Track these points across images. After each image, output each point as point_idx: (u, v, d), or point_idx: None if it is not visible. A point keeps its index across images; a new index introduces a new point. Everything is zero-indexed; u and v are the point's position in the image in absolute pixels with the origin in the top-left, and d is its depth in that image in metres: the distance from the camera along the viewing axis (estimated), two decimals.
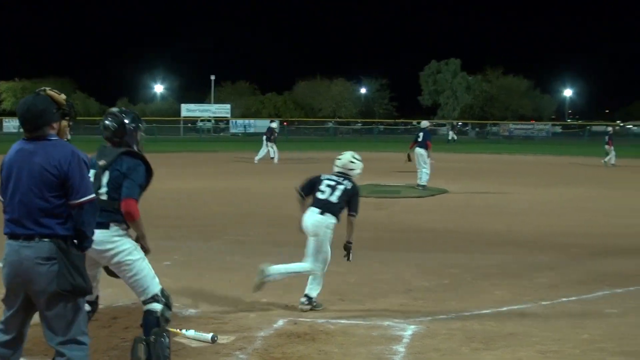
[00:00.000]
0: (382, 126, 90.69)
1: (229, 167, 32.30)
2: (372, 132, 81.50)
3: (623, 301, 8.77)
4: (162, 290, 5.94)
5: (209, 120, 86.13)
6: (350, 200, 8.34)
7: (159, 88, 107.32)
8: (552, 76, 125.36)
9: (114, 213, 5.75)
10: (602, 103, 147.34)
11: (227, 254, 11.34)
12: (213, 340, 6.81)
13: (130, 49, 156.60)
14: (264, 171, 29.32)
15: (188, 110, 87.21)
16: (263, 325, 7.37)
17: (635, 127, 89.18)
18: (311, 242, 8.30)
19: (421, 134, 22.88)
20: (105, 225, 5.67)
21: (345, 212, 8.41)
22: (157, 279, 5.94)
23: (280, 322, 7.53)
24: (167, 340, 5.82)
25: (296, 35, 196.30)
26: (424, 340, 7.00)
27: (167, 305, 5.94)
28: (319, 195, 8.35)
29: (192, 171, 29.09)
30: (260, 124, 76.92)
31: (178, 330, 6.93)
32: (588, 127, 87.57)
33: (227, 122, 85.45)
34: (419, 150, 22.53)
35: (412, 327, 7.44)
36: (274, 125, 35.49)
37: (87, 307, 5.69)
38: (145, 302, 5.87)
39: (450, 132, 73.26)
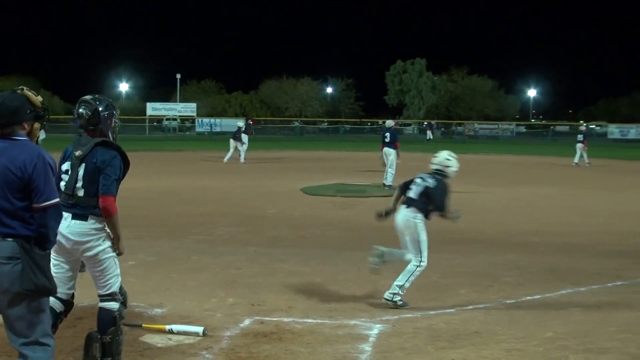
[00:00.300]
0: (348, 125, 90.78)
1: (195, 166, 32.16)
2: (338, 131, 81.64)
3: (586, 299, 8.87)
4: (121, 288, 5.94)
5: (174, 119, 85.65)
6: (431, 198, 8.78)
7: (124, 87, 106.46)
8: (516, 76, 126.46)
9: (91, 207, 5.71)
10: (565, 103, 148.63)
11: (194, 254, 11.28)
12: (204, 333, 6.88)
13: (95, 47, 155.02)
14: (230, 170, 29.22)
15: (154, 109, 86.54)
16: (229, 325, 7.35)
17: (598, 127, 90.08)
18: (406, 239, 8.78)
19: (388, 134, 22.93)
20: (83, 217, 5.68)
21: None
22: (120, 278, 5.93)
23: (247, 322, 7.52)
24: (121, 338, 5.86)
25: (262, 34, 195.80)
26: (390, 339, 7.03)
27: (124, 304, 5.95)
28: (407, 193, 8.89)
29: (157, 170, 28.91)
30: (225, 123, 76.65)
31: (162, 326, 6.93)
32: (552, 127, 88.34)
33: (193, 121, 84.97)
34: (387, 150, 22.59)
35: (378, 326, 7.47)
36: (241, 123, 35.89)
37: (60, 306, 5.77)
38: (102, 299, 5.85)
39: (429, 132, 73.43)
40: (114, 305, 5.84)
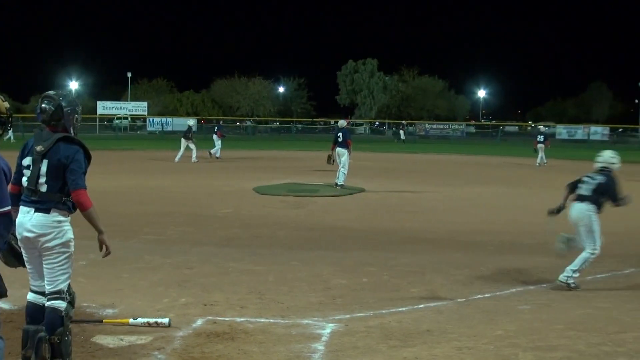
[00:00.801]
0: (300, 125, 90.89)
1: (146, 165, 31.89)
2: (290, 130, 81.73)
3: (535, 297, 8.99)
4: (69, 288, 5.91)
5: (125, 118, 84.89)
6: (604, 191, 9.68)
7: (74, 85, 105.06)
8: (466, 77, 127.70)
9: (54, 202, 5.75)
10: (514, 104, 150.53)
11: (145, 253, 11.19)
12: (170, 324, 7.02)
13: (44, 45, 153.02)
14: (182, 170, 29.04)
15: (104, 107, 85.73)
16: (182, 325, 7.29)
17: (546, 128, 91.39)
18: (580, 230, 9.66)
19: (340, 134, 22.94)
20: (45, 210, 5.73)
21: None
22: (69, 279, 5.91)
23: (199, 322, 7.47)
24: (70, 338, 5.84)
25: (214, 33, 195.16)
26: (343, 338, 7.04)
27: (71, 303, 5.92)
28: (577, 191, 9.86)
29: (108, 169, 28.54)
30: (177, 122, 76.21)
31: (125, 319, 6.88)
32: (501, 128, 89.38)
33: (144, 120, 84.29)
34: (340, 150, 22.59)
35: (331, 325, 7.47)
36: (191, 122, 37.12)
37: (43, 300, 5.78)
38: (49, 297, 5.78)
39: (401, 132, 73.68)
40: (61, 304, 5.78)
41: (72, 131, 5.97)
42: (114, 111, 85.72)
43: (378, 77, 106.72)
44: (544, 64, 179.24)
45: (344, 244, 12.77)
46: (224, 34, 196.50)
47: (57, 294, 5.78)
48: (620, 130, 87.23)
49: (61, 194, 5.77)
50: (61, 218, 5.79)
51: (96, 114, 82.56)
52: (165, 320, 7.16)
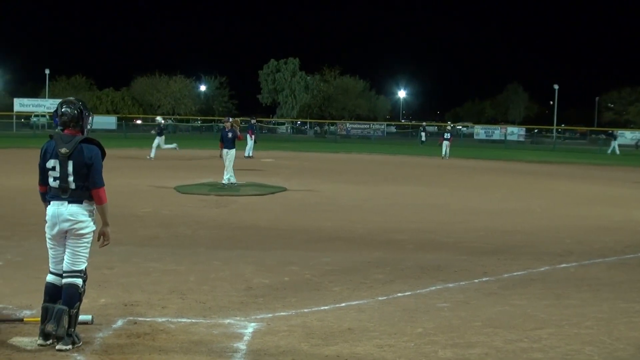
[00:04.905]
0: (222, 124, 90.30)
1: None
2: (211, 129, 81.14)
3: (454, 295, 9.11)
4: (86, 268, 6.74)
5: (43, 116, 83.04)
6: None
7: None
8: (387, 78, 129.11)
9: (84, 196, 6.62)
10: (433, 104, 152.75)
11: None
12: (92, 321, 7.12)
13: None
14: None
15: (21, 104, 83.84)
16: (102, 326, 7.18)
17: (465, 128, 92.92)
18: None
19: (230, 134, 22.68)
20: (78, 202, 6.61)
21: None
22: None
23: (120, 322, 7.36)
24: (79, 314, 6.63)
25: (134, 30, 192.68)
26: (265, 337, 7.02)
27: (85, 282, 6.69)
28: None
29: (25, 168, 27.93)
30: (97, 121, 74.67)
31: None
32: (421, 127, 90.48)
33: None
34: (226, 150, 22.60)
35: (253, 324, 7.45)
36: (160, 119, 40.28)
37: (60, 281, 6.66)
38: (70, 274, 6.58)
39: (422, 134, 73.94)
40: (79, 281, 6.60)
41: (85, 133, 6.80)
42: (31, 108, 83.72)
43: (300, 76, 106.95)
44: (463, 66, 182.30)
45: (265, 243, 12.75)
46: (145, 30, 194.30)
47: (77, 273, 6.62)
48: (535, 130, 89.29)
49: (87, 190, 6.59)
50: (90, 208, 6.69)
51: (13, 111, 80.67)
52: (88, 318, 7.09)
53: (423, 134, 74.47)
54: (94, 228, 6.78)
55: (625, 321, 8.00)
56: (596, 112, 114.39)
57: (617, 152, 59.37)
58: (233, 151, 22.64)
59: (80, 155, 6.54)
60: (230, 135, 22.81)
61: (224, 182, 22.25)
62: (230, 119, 24.68)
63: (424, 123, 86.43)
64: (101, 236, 6.84)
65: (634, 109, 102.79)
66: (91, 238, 6.76)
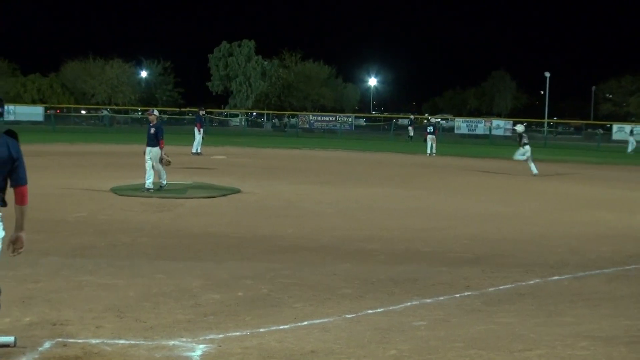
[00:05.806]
0: (167, 115, 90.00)
1: None
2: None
3: (432, 312, 9.14)
4: None
5: None
6: None
7: None
8: (356, 63, 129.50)
9: None
10: (409, 94, 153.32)
11: None
12: (15, 343, 6.95)
13: None
14: (28, 167, 28.24)
15: None
16: (26, 349, 7.11)
17: (445, 122, 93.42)
18: None
19: (153, 130, 21.49)
20: None
21: None
22: None
23: (47, 345, 7.30)
24: None
25: (65, 5, 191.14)
26: None
27: None
28: None
29: None
30: (21, 111, 74.36)
31: None
32: (394, 120, 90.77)
33: None
34: (149, 149, 21.36)
35: (202, 346, 7.43)
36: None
37: None
38: None
39: (410, 128, 73.58)
40: None
41: None
42: None
43: (256, 61, 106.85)
44: (442, 50, 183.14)
45: (216, 253, 12.71)
46: (77, 6, 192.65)
47: None
48: (524, 124, 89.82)
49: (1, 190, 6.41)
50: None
51: None
52: (10, 339, 6.99)
53: (410, 128, 74.29)
54: (3, 234, 6.50)
55: (627, 341, 8.05)
56: (592, 103, 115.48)
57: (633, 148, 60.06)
58: (157, 149, 21.18)
59: (5, 150, 6.41)
60: (152, 131, 21.42)
61: (147, 186, 20.98)
62: (155, 112, 22.86)
63: (412, 116, 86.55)
64: (12, 243, 6.55)
65: (635, 99, 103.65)
66: (0, 246, 6.54)
